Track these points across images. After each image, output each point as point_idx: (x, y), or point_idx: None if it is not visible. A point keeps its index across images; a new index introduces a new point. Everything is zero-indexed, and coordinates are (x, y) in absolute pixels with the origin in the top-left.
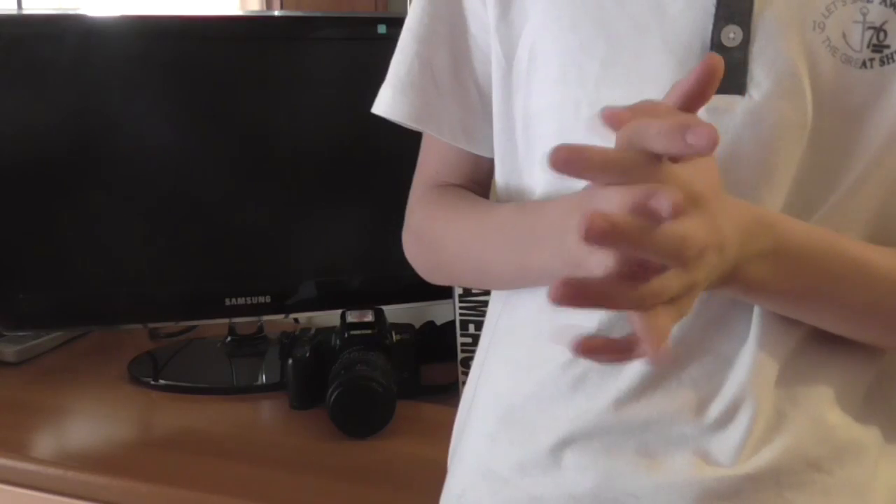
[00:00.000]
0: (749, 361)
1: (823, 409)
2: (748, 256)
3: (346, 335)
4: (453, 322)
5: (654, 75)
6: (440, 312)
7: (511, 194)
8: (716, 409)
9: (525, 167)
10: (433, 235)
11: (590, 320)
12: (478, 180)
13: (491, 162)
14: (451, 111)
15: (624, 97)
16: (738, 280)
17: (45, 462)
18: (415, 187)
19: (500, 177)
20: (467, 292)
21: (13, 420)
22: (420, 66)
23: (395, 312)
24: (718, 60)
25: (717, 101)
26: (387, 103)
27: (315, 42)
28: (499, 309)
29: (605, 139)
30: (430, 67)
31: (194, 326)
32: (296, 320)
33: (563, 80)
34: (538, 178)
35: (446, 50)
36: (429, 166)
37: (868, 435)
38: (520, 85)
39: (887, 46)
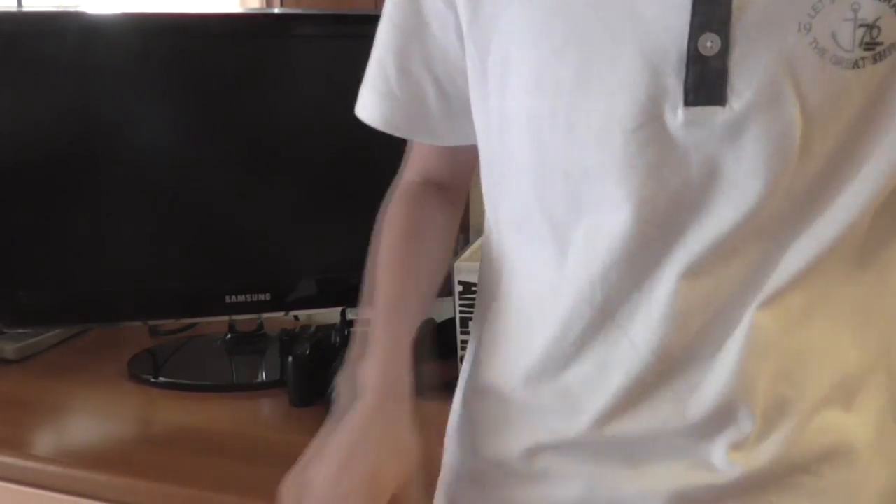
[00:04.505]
0: (732, 371)
1: (811, 413)
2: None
3: (346, 332)
4: (453, 319)
5: (629, 84)
6: (440, 310)
7: (495, 184)
8: (701, 419)
9: (506, 170)
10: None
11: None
12: (457, 169)
13: (469, 149)
14: (407, 110)
15: (599, 106)
16: None
17: (45, 459)
18: (399, 175)
19: (483, 167)
20: (467, 290)
21: (13, 417)
22: (377, 68)
23: None
24: None
25: (696, 112)
26: (359, 105)
27: (315, 39)
28: (482, 321)
29: (584, 147)
30: (383, 69)
31: (194, 324)
32: (296, 318)
33: (538, 87)
34: (521, 186)
35: (401, 52)
36: (412, 157)
37: (860, 437)
38: (494, 88)
39: (880, 43)
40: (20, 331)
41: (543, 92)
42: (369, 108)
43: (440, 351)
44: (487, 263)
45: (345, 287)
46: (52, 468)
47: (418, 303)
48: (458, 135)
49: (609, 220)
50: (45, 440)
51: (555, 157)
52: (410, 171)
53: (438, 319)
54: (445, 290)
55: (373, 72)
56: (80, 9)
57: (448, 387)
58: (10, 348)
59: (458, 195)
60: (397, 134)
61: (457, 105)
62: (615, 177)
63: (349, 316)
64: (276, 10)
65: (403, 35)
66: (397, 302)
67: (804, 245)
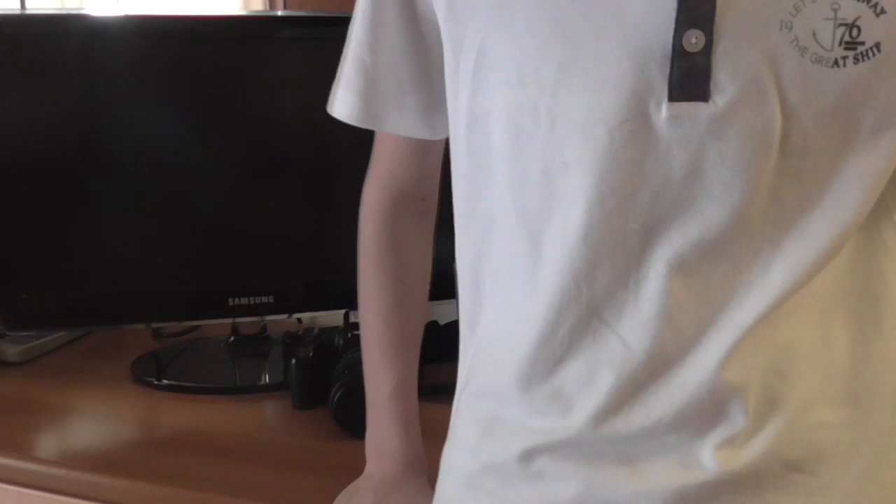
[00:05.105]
0: (724, 368)
1: (803, 410)
2: None
3: (349, 335)
4: (456, 322)
5: (614, 80)
6: (443, 312)
7: (466, 182)
8: (694, 417)
9: (479, 166)
10: (362, 291)
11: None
12: (425, 173)
13: (438, 149)
14: (385, 99)
15: (583, 102)
16: None
17: (48, 462)
18: (369, 185)
19: (453, 164)
20: None
21: (16, 420)
22: (353, 63)
23: None
24: None
25: (680, 108)
26: (333, 102)
27: (318, 41)
28: (468, 325)
29: (565, 142)
30: (362, 62)
31: (197, 326)
32: (299, 320)
33: (521, 82)
34: (496, 182)
35: (366, 42)
36: (378, 162)
37: (860, 435)
38: (465, 82)
39: (861, 43)
40: (23, 333)
41: (525, 87)
42: (346, 104)
43: (444, 353)
44: (461, 265)
45: (348, 289)
46: (55, 471)
47: (415, 364)
48: (433, 125)
49: (587, 215)
50: (47, 443)
51: (534, 152)
52: (378, 180)
53: (441, 322)
54: (448, 292)
55: (348, 68)
56: (84, 11)
57: (451, 389)
58: (12, 351)
59: (429, 207)
60: (371, 126)
61: (435, 95)
62: (596, 172)
63: (352, 318)
64: (280, 13)
65: (373, 20)
66: (402, 385)
67: (797, 246)
